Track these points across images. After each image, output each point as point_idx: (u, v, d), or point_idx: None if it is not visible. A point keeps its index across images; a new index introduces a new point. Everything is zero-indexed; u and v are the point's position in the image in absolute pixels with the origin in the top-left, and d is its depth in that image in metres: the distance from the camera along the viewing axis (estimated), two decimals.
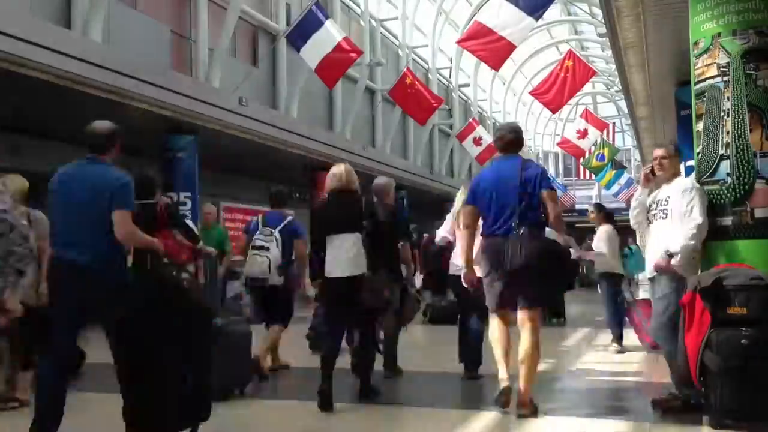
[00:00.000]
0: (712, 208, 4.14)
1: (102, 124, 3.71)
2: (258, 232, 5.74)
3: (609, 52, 17.06)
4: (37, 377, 3.64)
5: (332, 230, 4.59)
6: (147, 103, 9.60)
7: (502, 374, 4.22)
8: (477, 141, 21.89)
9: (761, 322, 3.62)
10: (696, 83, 4.38)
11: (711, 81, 4.24)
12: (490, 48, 10.45)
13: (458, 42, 12.56)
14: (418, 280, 8.04)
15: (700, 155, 4.32)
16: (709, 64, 4.25)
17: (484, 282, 4.36)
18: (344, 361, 5.08)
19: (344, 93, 18.56)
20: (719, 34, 4.22)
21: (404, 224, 5.90)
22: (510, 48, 10.45)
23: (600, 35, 27.31)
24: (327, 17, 12.54)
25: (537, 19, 10.46)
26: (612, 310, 7.33)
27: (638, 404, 4.48)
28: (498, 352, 4.28)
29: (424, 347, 8.38)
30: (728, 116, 4.14)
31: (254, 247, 5.65)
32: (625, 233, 7.42)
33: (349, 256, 4.52)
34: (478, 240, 4.40)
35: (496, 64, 11.24)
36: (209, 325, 3.65)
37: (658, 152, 4.42)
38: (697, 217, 4.05)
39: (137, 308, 3.28)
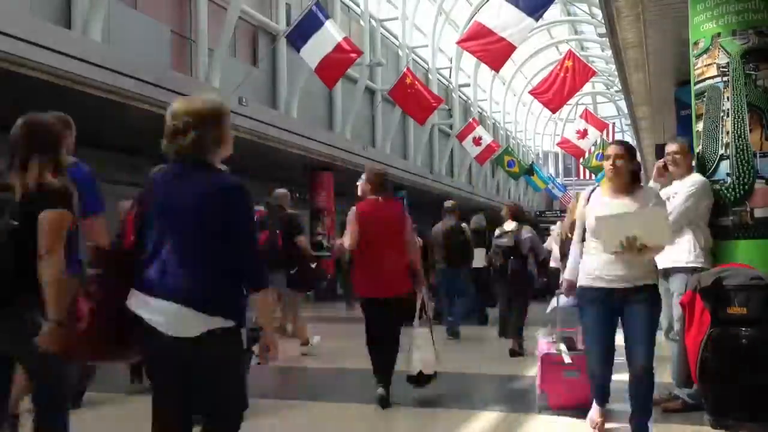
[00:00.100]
0: (715, 208, 4.14)
1: None
2: None
3: (609, 52, 17.05)
4: None
5: None
6: (147, 103, 9.60)
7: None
8: (477, 141, 21.91)
9: (761, 322, 3.62)
10: (696, 83, 4.38)
11: (711, 81, 4.24)
12: (490, 49, 10.45)
13: (458, 42, 12.57)
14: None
15: (700, 155, 4.32)
16: (709, 64, 4.25)
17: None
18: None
19: (344, 93, 18.57)
20: (719, 34, 4.22)
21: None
22: (510, 49, 10.46)
23: (600, 35, 27.39)
24: (327, 17, 12.55)
25: (537, 20, 10.47)
26: None
27: None
28: None
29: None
30: (728, 116, 4.14)
31: None
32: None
33: None
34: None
35: (496, 65, 11.24)
36: None
37: (672, 147, 4.37)
38: (678, 206, 4.07)
39: None
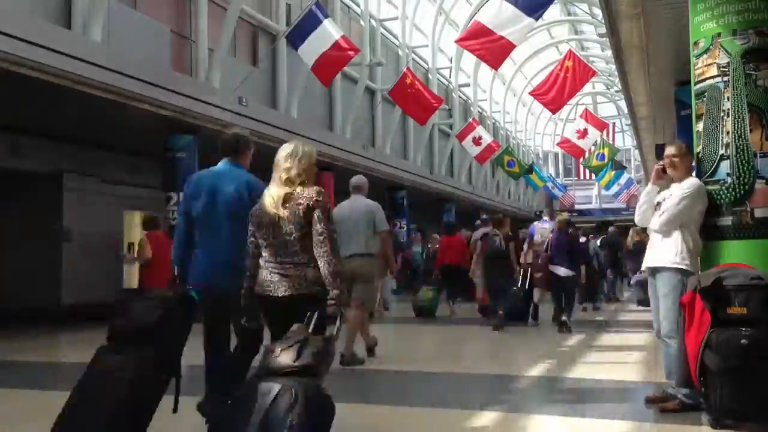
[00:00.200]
0: (712, 209, 4.15)
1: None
2: None
3: (609, 52, 17.06)
4: None
5: None
6: (147, 103, 9.60)
7: None
8: (476, 140, 21.89)
9: (761, 322, 3.62)
10: (696, 83, 4.38)
11: (711, 81, 4.24)
12: (490, 47, 10.45)
13: (458, 41, 12.56)
14: None
15: (700, 155, 4.32)
16: (709, 64, 4.25)
17: None
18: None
19: (344, 93, 18.56)
20: (719, 34, 4.21)
21: None
22: (509, 47, 10.46)
23: (600, 35, 27.40)
24: (326, 16, 12.54)
25: (537, 20, 10.47)
26: None
27: (638, 405, 4.48)
28: None
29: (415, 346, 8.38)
30: (728, 116, 4.14)
31: None
32: None
33: None
34: None
35: (495, 63, 11.24)
36: None
37: (670, 150, 4.40)
38: (672, 207, 4.14)
39: None
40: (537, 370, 6.04)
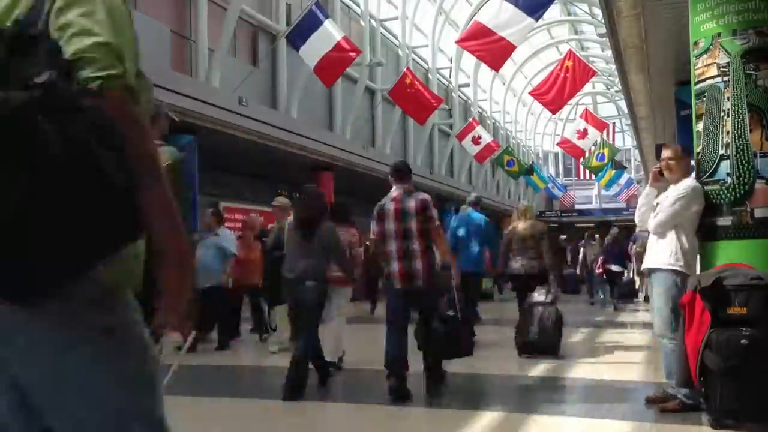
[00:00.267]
0: (712, 209, 4.15)
1: None
2: None
3: (609, 52, 17.05)
4: None
5: None
6: None
7: None
8: (476, 140, 21.88)
9: (761, 322, 3.62)
10: (696, 83, 4.38)
11: (711, 81, 4.23)
12: (490, 48, 10.45)
13: (458, 42, 12.55)
14: None
15: (700, 155, 4.32)
16: (709, 64, 4.25)
17: None
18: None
19: (344, 93, 18.56)
20: (719, 34, 4.21)
21: None
22: (510, 48, 10.45)
23: (600, 35, 27.39)
24: (327, 17, 12.54)
25: (537, 20, 10.46)
26: None
27: (639, 404, 4.48)
28: None
29: None
30: (728, 116, 4.14)
31: None
32: None
33: None
34: None
35: (495, 64, 11.23)
36: None
37: (666, 153, 4.43)
38: (666, 208, 4.17)
39: None
40: (537, 370, 6.03)
